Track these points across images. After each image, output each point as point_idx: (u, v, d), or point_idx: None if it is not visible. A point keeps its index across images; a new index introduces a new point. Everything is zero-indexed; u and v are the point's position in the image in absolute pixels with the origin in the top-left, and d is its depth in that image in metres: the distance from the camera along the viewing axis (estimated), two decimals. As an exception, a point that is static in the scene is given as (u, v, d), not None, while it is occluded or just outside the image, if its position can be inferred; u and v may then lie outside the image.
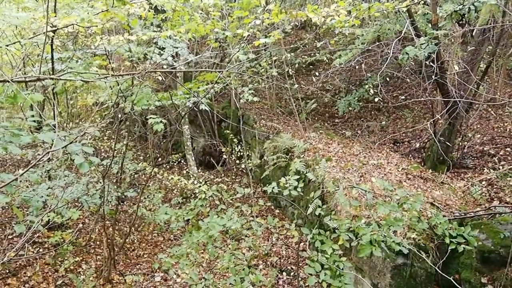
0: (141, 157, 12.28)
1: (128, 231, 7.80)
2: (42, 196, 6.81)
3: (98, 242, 8.87)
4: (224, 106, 12.65)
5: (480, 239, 5.93)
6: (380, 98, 9.57)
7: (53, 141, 3.73)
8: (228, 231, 5.07)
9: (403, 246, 4.62)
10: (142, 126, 12.52)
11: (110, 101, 7.74)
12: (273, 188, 4.92)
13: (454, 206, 6.70)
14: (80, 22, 5.08)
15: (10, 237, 8.28)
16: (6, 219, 8.78)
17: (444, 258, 5.90)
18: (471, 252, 5.96)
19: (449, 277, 5.84)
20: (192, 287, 4.33)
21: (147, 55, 6.85)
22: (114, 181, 8.58)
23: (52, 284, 7.30)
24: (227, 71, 7.54)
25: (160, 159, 12.05)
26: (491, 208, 6.50)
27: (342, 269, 4.18)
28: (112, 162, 7.00)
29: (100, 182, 7.66)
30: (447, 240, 4.32)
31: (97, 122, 11.89)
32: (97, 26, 5.38)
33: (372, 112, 12.01)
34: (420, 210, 6.44)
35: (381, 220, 5.66)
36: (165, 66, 8.39)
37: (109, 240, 7.66)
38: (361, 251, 4.14)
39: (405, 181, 7.51)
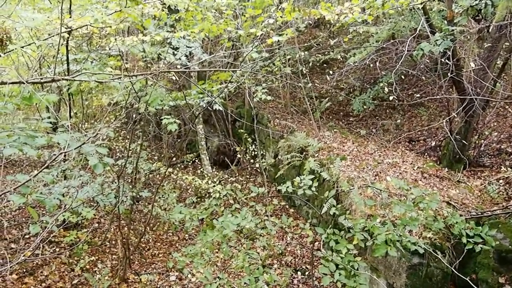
0: (156, 157, 12.34)
1: (143, 230, 7.83)
2: (56, 197, 6.89)
3: (113, 242, 8.93)
4: (238, 106, 12.64)
5: (497, 238, 5.84)
6: (394, 97, 9.49)
7: (67, 142, 3.77)
8: (242, 231, 5.06)
9: (418, 245, 4.57)
10: (156, 126, 12.57)
11: (124, 102, 7.79)
12: (287, 187, 4.90)
13: (470, 205, 6.61)
14: (94, 23, 5.11)
15: (26, 236, 8.36)
16: (23, 219, 8.87)
17: (461, 258, 5.84)
18: (488, 252, 5.88)
19: (465, 278, 5.81)
20: (207, 287, 4.33)
21: (160, 55, 6.85)
22: (129, 181, 8.63)
23: (68, 283, 7.36)
24: (240, 70, 7.53)
25: (174, 159, 12.09)
26: (508, 207, 6.39)
27: (357, 269, 4.14)
28: (127, 162, 7.02)
29: (115, 182, 7.72)
30: (464, 240, 4.26)
31: (112, 122, 11.99)
32: (110, 27, 5.42)
33: (387, 111, 11.91)
34: (436, 209, 6.39)
35: (396, 219, 5.61)
36: (178, 66, 8.42)
37: (124, 240, 7.71)
38: (376, 250, 4.10)
39: (420, 180, 7.43)
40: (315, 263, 7.02)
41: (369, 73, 12.89)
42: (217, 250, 7.72)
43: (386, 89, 9.33)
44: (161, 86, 7.44)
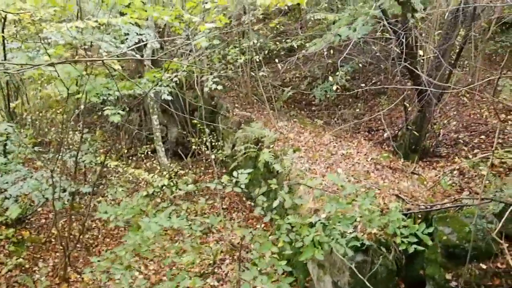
0: (113, 150, 11.91)
1: (81, 228, 7.45)
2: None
3: (58, 239, 8.54)
4: (197, 95, 12.25)
5: (445, 233, 5.62)
6: (352, 85, 9.26)
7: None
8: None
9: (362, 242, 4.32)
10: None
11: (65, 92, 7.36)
12: (217, 184, 4.59)
13: (421, 198, 6.38)
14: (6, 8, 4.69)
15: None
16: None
17: (408, 254, 5.62)
18: (435, 247, 5.67)
19: (413, 274, 5.61)
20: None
21: (95, 42, 6.43)
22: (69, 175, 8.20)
23: (4, 284, 6.97)
24: (187, 59, 7.18)
25: (126, 151, 11.69)
26: (458, 199, 6.18)
27: (283, 273, 3.86)
28: (60, 155, 6.64)
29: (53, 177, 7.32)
30: (398, 240, 3.99)
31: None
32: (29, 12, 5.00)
33: (350, 100, 11.64)
34: (384, 203, 6.15)
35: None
36: (129, 54, 8.01)
37: (62, 237, 7.34)
38: (303, 254, 3.81)
39: (373, 172, 7.19)
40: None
41: (333, 62, 12.59)
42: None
43: (343, 78, 9.06)
44: (100, 75, 7.02)
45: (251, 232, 4.07)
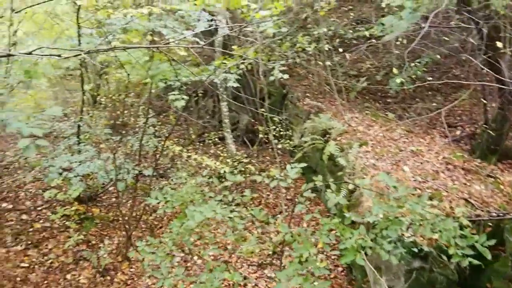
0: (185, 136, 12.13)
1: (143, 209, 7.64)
2: (55, 171, 6.82)
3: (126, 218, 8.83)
4: (269, 83, 12.11)
5: (517, 244, 5.12)
6: (432, 78, 8.67)
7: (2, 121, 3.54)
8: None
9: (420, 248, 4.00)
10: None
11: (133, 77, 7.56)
12: (263, 178, 4.45)
13: (493, 204, 5.84)
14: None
15: (38, 208, 8.39)
16: (40, 190, 8.91)
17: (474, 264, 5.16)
18: (506, 259, 5.18)
19: (476, 286, 5.16)
20: (162, 281, 3.99)
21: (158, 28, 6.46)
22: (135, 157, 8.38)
23: (70, 257, 7.30)
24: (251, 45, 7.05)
25: (201, 136, 11.85)
26: (536, 208, 5.60)
27: (343, 271, 3.65)
28: (127, 138, 6.82)
29: (121, 158, 7.55)
30: (451, 251, 3.63)
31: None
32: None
33: (429, 93, 10.95)
34: (450, 207, 5.71)
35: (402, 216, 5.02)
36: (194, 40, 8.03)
37: (125, 218, 7.55)
38: (344, 256, 3.57)
39: (443, 172, 6.69)
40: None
41: (413, 51, 11.90)
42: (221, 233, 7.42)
43: (420, 71, 8.48)
44: (164, 61, 7.09)
45: (291, 230, 3.88)
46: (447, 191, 6.02)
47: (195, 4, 6.10)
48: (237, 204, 5.59)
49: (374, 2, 14.66)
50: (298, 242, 3.75)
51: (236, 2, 5.49)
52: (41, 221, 8.02)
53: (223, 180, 9.00)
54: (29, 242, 7.47)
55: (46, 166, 7.05)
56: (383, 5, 7.59)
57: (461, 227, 5.06)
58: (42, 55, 3.55)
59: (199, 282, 3.82)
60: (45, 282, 6.64)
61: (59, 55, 3.51)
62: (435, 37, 10.26)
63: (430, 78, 9.26)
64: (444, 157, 7.15)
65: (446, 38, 9.16)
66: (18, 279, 6.56)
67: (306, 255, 3.58)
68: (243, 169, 9.46)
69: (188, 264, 7.59)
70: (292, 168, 4.48)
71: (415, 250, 4.93)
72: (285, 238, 3.90)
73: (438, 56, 9.48)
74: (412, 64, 9.34)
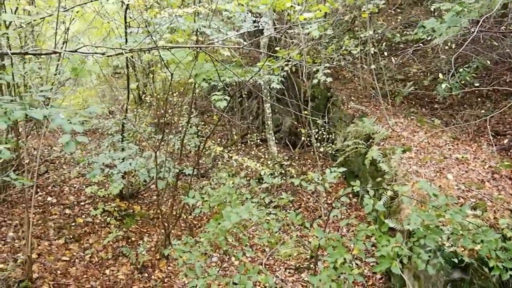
0: (228, 136, 12.25)
1: (181, 208, 7.76)
2: (98, 167, 7.02)
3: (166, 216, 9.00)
4: (313, 85, 12.06)
5: None
6: (482, 84, 8.41)
7: (45, 117, 3.61)
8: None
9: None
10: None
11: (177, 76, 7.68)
12: (301, 181, 4.45)
13: (542, 216, 5.61)
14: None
15: (82, 204, 8.67)
16: (84, 185, 9.21)
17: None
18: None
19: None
20: (196, 281, 4.05)
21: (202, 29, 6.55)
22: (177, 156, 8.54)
23: (110, 253, 7.51)
24: (295, 47, 7.05)
25: (245, 137, 11.93)
26: None
27: (381, 279, 3.62)
28: (163, 137, 6.94)
29: (162, 157, 7.70)
30: (492, 263, 3.53)
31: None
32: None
33: (478, 99, 10.62)
34: (495, 218, 5.53)
35: (443, 225, 4.91)
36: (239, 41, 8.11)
37: (165, 216, 7.69)
38: (379, 264, 3.53)
39: (488, 181, 6.47)
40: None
41: (463, 55, 11.56)
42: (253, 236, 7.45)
43: (470, 74, 8.23)
44: (208, 61, 7.18)
45: (326, 235, 3.87)
46: (491, 201, 5.83)
47: (241, 4, 6.15)
48: (276, 207, 5.62)
49: (424, 6, 14.36)
50: (333, 247, 3.73)
51: (281, 3, 5.50)
52: (83, 216, 8.28)
53: (262, 181, 9.11)
54: (71, 236, 7.71)
55: (90, 162, 7.28)
56: (432, 8, 7.41)
57: (505, 239, 4.93)
58: (86, 53, 3.69)
59: (232, 283, 3.85)
60: (85, 276, 6.83)
61: (103, 53, 3.63)
62: (486, 42, 9.96)
63: (477, 84, 9.01)
64: (491, 165, 6.92)
65: (497, 44, 8.86)
66: (59, 272, 6.77)
67: (341, 261, 3.56)
68: (283, 171, 9.48)
69: (225, 265, 7.66)
70: (331, 172, 4.47)
71: (455, 260, 4.79)
72: (320, 243, 3.89)
73: (488, 62, 9.16)
74: (461, 70, 9.10)
